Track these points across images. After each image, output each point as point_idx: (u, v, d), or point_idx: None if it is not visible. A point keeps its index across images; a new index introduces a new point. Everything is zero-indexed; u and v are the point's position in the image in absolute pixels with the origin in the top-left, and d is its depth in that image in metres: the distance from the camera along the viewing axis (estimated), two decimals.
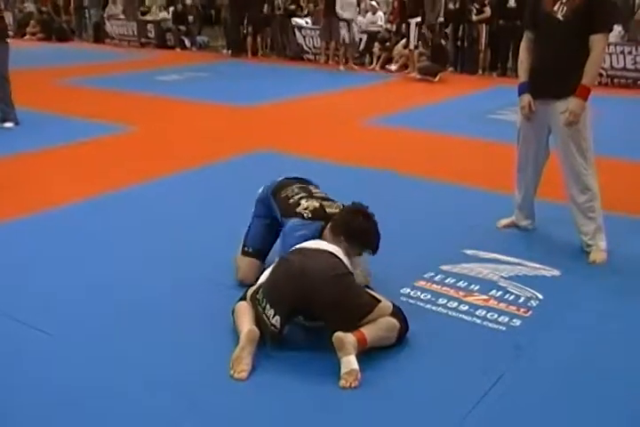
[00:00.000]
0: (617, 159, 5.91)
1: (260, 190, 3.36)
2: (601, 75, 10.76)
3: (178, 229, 3.99)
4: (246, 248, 3.28)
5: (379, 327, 2.65)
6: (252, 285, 2.89)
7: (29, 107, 7.30)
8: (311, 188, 3.30)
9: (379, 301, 2.73)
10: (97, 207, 4.40)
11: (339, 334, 2.52)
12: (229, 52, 14.11)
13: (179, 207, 4.39)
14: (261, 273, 2.92)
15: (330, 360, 2.56)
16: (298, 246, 2.85)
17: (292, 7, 14.05)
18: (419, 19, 11.35)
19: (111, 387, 2.47)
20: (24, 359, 2.64)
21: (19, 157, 5.60)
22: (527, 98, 3.68)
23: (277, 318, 2.61)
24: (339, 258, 2.76)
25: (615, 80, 10.71)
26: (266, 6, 13.74)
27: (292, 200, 3.13)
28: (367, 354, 2.63)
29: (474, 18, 11.67)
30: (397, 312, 2.76)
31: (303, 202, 3.10)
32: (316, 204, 3.09)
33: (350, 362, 2.48)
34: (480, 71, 11.88)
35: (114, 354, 2.68)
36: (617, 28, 11.04)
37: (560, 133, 3.67)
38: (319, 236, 2.98)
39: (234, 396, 2.44)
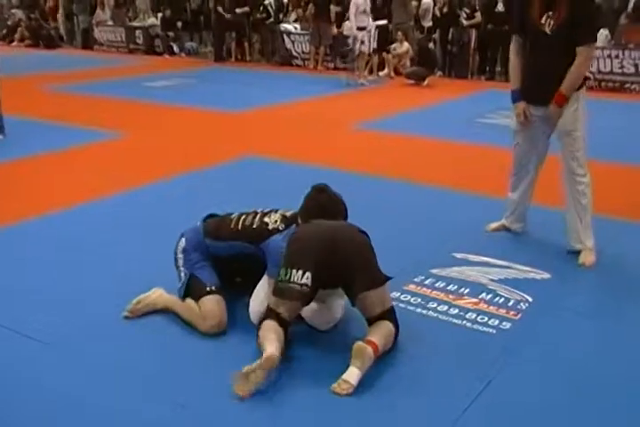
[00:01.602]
0: (604, 162, 5.93)
1: (183, 241, 3.10)
2: (588, 78, 10.82)
3: (166, 235, 3.97)
4: (209, 287, 2.94)
5: (385, 337, 2.66)
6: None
7: (17, 114, 7.26)
8: (246, 211, 3.14)
9: (388, 276, 2.77)
10: (85, 214, 4.38)
11: (362, 344, 2.53)
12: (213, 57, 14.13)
13: (166, 214, 4.37)
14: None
15: (330, 364, 2.56)
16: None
17: (280, 14, 14.08)
18: (382, 21, 11.40)
19: (108, 397, 2.45)
20: (18, 368, 2.62)
21: (5, 165, 5.57)
22: (522, 105, 3.73)
23: (308, 274, 2.60)
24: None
25: (602, 84, 10.78)
26: (252, 12, 13.73)
27: (255, 225, 2.97)
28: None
29: (464, 23, 11.72)
30: (393, 314, 2.76)
31: (266, 219, 2.99)
32: (277, 215, 3.02)
33: (354, 375, 2.48)
34: (469, 75, 11.94)
35: (111, 363, 2.66)
36: (603, 32, 11.13)
37: (558, 132, 3.70)
38: None
39: (233, 406, 2.42)
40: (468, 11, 11.69)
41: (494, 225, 4.18)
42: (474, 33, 11.78)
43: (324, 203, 2.92)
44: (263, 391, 2.45)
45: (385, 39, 11.66)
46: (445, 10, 12.14)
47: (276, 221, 2.97)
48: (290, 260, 2.68)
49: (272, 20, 13.87)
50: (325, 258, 2.64)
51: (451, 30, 12.05)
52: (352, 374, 2.49)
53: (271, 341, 2.55)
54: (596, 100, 9.73)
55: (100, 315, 3.02)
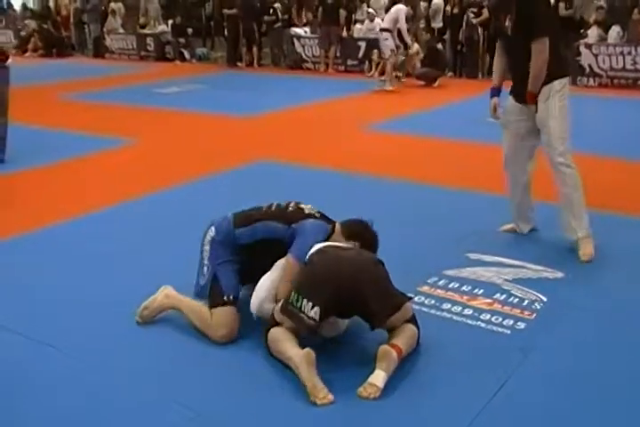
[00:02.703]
0: (616, 159, 5.91)
1: (212, 230, 3.05)
2: (600, 75, 10.79)
3: (179, 240, 3.99)
4: (226, 297, 2.88)
5: (407, 341, 2.66)
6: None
7: (31, 122, 7.34)
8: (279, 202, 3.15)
9: (407, 297, 2.76)
10: (100, 220, 4.41)
11: (386, 347, 2.53)
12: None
13: (179, 219, 4.39)
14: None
15: (341, 371, 2.56)
16: (318, 247, 2.79)
17: (286, 17, 14.11)
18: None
19: (121, 404, 2.46)
20: (32, 375, 2.64)
21: (20, 173, 5.62)
22: (492, 101, 3.97)
23: (317, 309, 2.56)
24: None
25: (615, 81, 10.71)
26: (265, 18, 13.77)
27: (290, 208, 3.01)
28: (370, 359, 2.64)
29: (473, 21, 11.68)
30: (414, 316, 2.77)
31: (302, 206, 3.03)
32: (311, 206, 3.06)
33: (380, 378, 2.48)
34: (480, 75, 11.90)
35: (125, 369, 2.67)
36: (615, 29, 11.07)
37: (539, 127, 3.80)
38: (327, 237, 2.93)
39: (247, 411, 2.43)
40: (475, 9, 11.65)
41: (507, 226, 4.17)
42: (484, 32, 11.73)
43: (372, 235, 2.96)
44: (278, 395, 2.46)
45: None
46: (456, 10, 12.12)
47: (311, 209, 3.03)
48: (303, 288, 2.64)
49: (280, 24, 13.91)
50: (338, 295, 2.59)
51: (461, 30, 12.02)
52: (378, 377, 2.48)
53: (290, 346, 2.55)
54: (609, 98, 9.71)
55: (113, 320, 3.04)
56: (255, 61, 13.90)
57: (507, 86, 4.01)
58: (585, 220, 3.78)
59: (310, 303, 2.57)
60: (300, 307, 2.59)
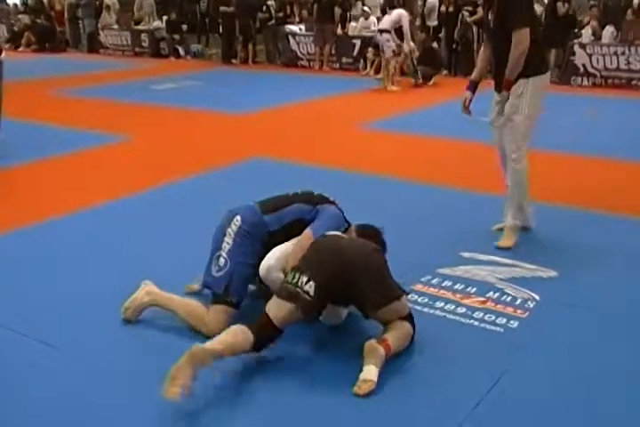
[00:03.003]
0: (610, 159, 5.94)
1: (238, 220, 2.96)
2: (594, 75, 10.82)
3: (173, 236, 3.99)
4: (230, 299, 2.86)
5: (399, 337, 2.67)
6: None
7: (24, 118, 7.31)
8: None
9: (403, 290, 2.77)
10: (93, 217, 4.40)
11: (372, 343, 2.54)
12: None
13: (172, 216, 4.39)
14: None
15: (334, 363, 2.57)
16: (324, 233, 2.89)
17: (281, 15, 14.09)
18: None
19: (113, 398, 2.47)
20: (28, 372, 2.64)
21: (13, 169, 5.60)
22: (466, 95, 4.08)
23: (312, 283, 2.58)
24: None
25: (609, 80, 10.75)
26: (259, 15, 13.75)
27: (315, 194, 3.14)
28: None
29: (468, 20, 11.69)
30: (411, 315, 2.78)
31: (325, 195, 3.15)
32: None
33: (371, 372, 2.49)
34: None
35: (120, 368, 2.67)
36: (610, 29, 11.10)
37: (506, 117, 3.86)
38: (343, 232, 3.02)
39: (236, 409, 2.43)
40: (470, 8, 11.66)
41: (500, 225, 4.18)
42: (478, 31, 11.73)
43: (383, 240, 3.03)
44: (275, 391, 2.47)
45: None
46: (451, 9, 12.13)
47: (334, 200, 3.13)
48: (301, 265, 2.68)
49: (274, 21, 13.89)
50: (335, 276, 2.61)
51: (456, 29, 12.03)
52: (370, 372, 2.48)
53: (218, 339, 2.49)
54: (603, 98, 9.74)
55: (107, 317, 3.03)
56: (250, 59, 13.89)
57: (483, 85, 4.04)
58: (514, 212, 3.93)
59: (306, 277, 2.60)
60: (297, 283, 2.61)
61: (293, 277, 2.64)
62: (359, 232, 3.01)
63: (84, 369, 2.65)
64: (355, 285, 2.63)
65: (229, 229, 2.95)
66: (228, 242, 2.94)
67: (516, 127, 3.82)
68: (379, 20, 12.98)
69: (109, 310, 3.07)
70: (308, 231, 2.94)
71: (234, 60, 13.97)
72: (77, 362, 2.70)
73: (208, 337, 2.63)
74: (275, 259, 2.92)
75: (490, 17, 3.81)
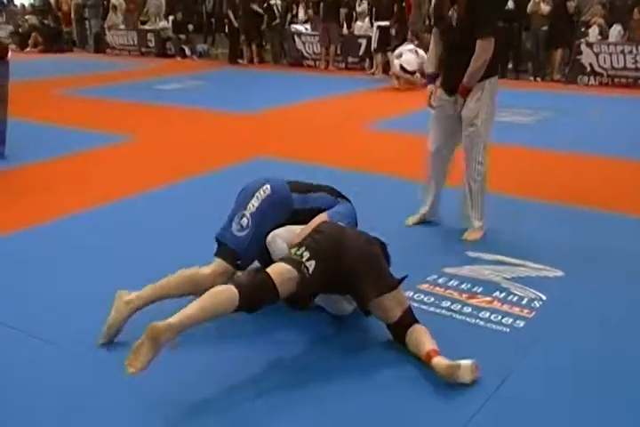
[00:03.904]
0: (616, 158, 5.91)
1: (268, 188, 3.02)
2: (601, 74, 10.78)
3: (178, 237, 3.99)
4: (239, 261, 2.95)
5: (431, 338, 2.66)
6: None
7: (31, 118, 7.33)
8: None
9: (397, 279, 2.77)
10: (97, 217, 4.40)
11: (445, 362, 2.50)
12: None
13: (177, 216, 4.39)
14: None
15: (336, 359, 2.56)
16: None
17: (289, 16, 14.09)
18: (384, 22, 11.60)
19: (116, 403, 2.46)
20: (29, 370, 2.64)
21: (17, 169, 5.62)
22: (430, 89, 4.02)
23: (312, 262, 2.63)
24: None
25: (616, 80, 10.71)
26: (265, 16, 13.78)
27: (336, 189, 3.26)
28: (372, 356, 2.65)
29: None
30: (413, 314, 2.77)
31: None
32: None
33: (468, 366, 2.49)
34: None
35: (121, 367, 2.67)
36: (617, 28, 11.05)
37: (465, 120, 3.88)
38: None
39: (243, 404, 2.43)
40: None
41: (415, 218, 4.23)
42: None
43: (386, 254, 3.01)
44: (276, 388, 2.46)
45: (385, 40, 11.79)
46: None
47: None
48: (306, 243, 2.73)
49: (278, 21, 13.90)
50: (331, 258, 2.66)
51: None
52: (467, 367, 2.48)
53: (187, 308, 2.40)
54: (610, 97, 9.70)
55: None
56: (255, 58, 13.90)
57: None
58: (480, 211, 4.01)
59: (307, 254, 2.64)
60: (301, 254, 2.65)
61: (298, 250, 2.69)
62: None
63: (85, 368, 2.65)
64: (353, 273, 2.66)
65: (258, 193, 3.00)
66: (254, 204, 2.98)
67: (477, 131, 3.85)
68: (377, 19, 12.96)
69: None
70: (324, 215, 3.05)
71: (240, 61, 13.99)
72: (79, 360, 2.70)
73: None
74: (284, 230, 2.99)
75: (450, 13, 3.71)
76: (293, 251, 2.71)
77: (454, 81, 3.80)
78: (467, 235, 3.99)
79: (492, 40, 3.65)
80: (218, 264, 2.93)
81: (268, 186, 3.02)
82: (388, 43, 11.70)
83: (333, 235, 2.77)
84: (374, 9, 12.20)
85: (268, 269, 2.63)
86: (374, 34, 11.75)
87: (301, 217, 3.05)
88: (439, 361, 2.52)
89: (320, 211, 3.10)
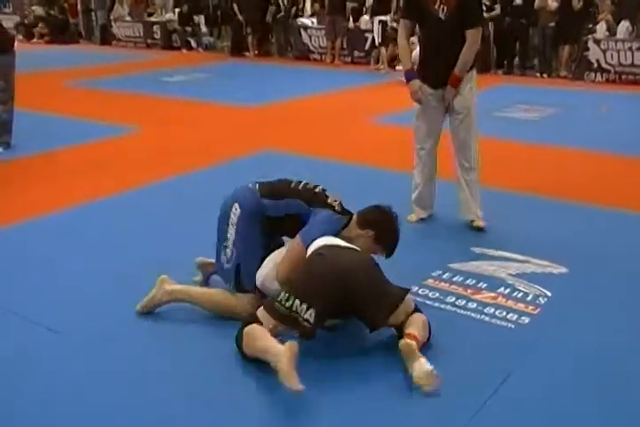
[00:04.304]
0: (623, 155, 5.89)
1: (237, 209, 2.95)
2: (608, 71, 10.73)
3: (184, 229, 3.99)
4: (245, 288, 2.94)
5: (423, 327, 2.66)
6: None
7: (36, 109, 7.33)
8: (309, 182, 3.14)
9: (402, 288, 2.74)
10: (102, 208, 4.41)
11: (407, 342, 2.50)
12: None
13: (182, 208, 4.39)
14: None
15: (335, 361, 2.56)
16: (319, 244, 2.76)
17: (293, 9, 14.02)
18: (384, 17, 11.67)
19: (116, 390, 2.47)
20: (32, 357, 2.65)
21: (24, 159, 5.62)
22: (417, 83, 3.95)
23: (311, 311, 2.51)
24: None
25: (623, 76, 10.65)
26: (270, 8, 13.74)
27: (317, 191, 3.01)
28: (375, 351, 2.66)
29: (485, 15, 11.54)
30: (416, 306, 2.76)
31: (328, 193, 3.02)
32: (338, 199, 3.04)
33: (424, 363, 2.46)
34: (489, 70, 11.81)
35: (124, 356, 2.69)
36: (625, 24, 10.99)
37: (455, 111, 3.96)
38: (340, 231, 2.94)
39: (245, 397, 2.44)
40: (487, 3, 11.56)
41: (415, 216, 4.22)
42: (494, 27, 11.64)
43: (387, 221, 2.96)
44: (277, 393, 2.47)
45: (384, 34, 11.87)
46: None
47: (335, 201, 3.00)
48: (297, 289, 2.57)
49: (283, 13, 13.85)
50: (334, 299, 2.56)
51: None
52: (421, 365, 2.45)
53: (269, 339, 2.48)
54: (617, 93, 9.66)
55: (117, 308, 3.04)
56: (256, 51, 13.89)
57: None
58: (480, 199, 4.06)
59: (305, 305, 2.51)
60: (292, 307, 2.53)
61: (287, 300, 2.55)
62: (360, 220, 2.94)
63: (88, 357, 2.66)
64: (358, 304, 2.59)
65: (231, 219, 2.96)
66: (231, 233, 2.95)
67: (471, 119, 3.96)
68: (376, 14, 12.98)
69: (120, 299, 3.09)
70: (298, 240, 2.87)
71: (247, 53, 13.97)
72: (81, 349, 2.71)
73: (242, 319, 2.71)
74: (269, 268, 2.88)
75: (439, 7, 3.74)
76: (283, 300, 2.55)
77: (440, 74, 3.86)
78: (476, 222, 4.02)
79: (480, 30, 3.80)
80: (241, 298, 2.93)
81: (237, 205, 2.96)
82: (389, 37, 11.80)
83: (331, 274, 2.57)
84: (373, 3, 12.25)
85: (260, 317, 2.60)
86: (376, 29, 11.83)
87: (280, 225, 2.98)
88: (409, 342, 2.50)
89: (298, 219, 2.94)
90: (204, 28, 15.73)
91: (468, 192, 4.05)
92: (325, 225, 2.89)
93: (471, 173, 4.03)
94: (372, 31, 12.10)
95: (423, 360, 2.48)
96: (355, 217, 3.00)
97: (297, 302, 2.53)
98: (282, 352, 2.38)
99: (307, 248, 2.80)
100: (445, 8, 3.74)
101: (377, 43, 11.95)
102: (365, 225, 2.93)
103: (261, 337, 2.52)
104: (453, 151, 4.07)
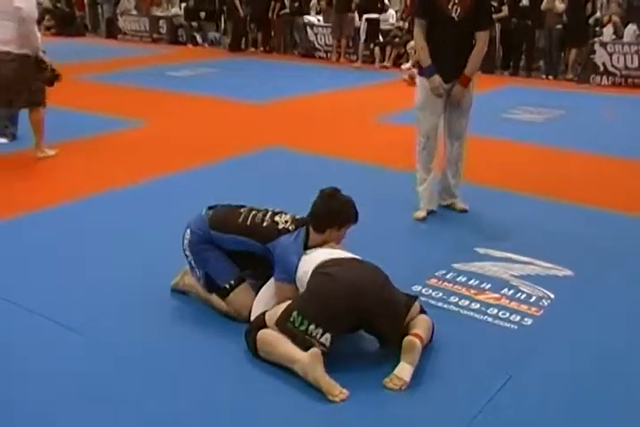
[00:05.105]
0: (629, 158, 5.89)
1: (188, 233, 3.01)
2: (614, 74, 10.71)
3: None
4: (227, 286, 2.93)
5: (428, 327, 2.66)
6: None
7: None
8: (256, 207, 3.05)
9: (410, 296, 2.73)
10: (108, 202, 4.42)
11: (413, 339, 2.50)
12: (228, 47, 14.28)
13: (186, 203, 4.37)
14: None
15: (341, 361, 2.57)
16: (317, 262, 2.70)
17: (296, 5, 13.98)
18: (372, 15, 12.01)
19: (128, 384, 2.48)
20: (45, 354, 2.67)
21: (30, 151, 5.62)
22: (438, 78, 4.02)
23: (327, 335, 2.48)
24: (363, 260, 2.76)
25: (629, 80, 10.63)
26: (272, 4, 13.75)
27: (265, 223, 2.88)
28: (375, 351, 2.66)
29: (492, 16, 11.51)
30: (422, 307, 2.76)
31: (277, 218, 2.90)
32: (287, 216, 2.93)
33: (406, 371, 2.47)
34: (495, 70, 11.79)
35: (137, 351, 2.70)
36: (632, 28, 10.96)
37: (459, 108, 4.17)
38: (306, 241, 2.87)
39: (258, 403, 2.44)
40: (495, 4, 11.52)
41: (422, 213, 4.24)
42: (500, 28, 11.60)
43: (335, 209, 2.88)
44: (282, 394, 2.47)
45: (374, 32, 12.12)
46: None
47: (286, 222, 2.88)
48: (310, 313, 2.52)
49: (287, 10, 13.83)
50: (352, 321, 2.56)
51: None
52: (404, 371, 2.47)
53: (291, 347, 2.49)
54: (622, 97, 9.65)
55: (129, 302, 3.06)
56: (257, 46, 13.91)
57: None
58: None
59: (320, 329, 2.48)
60: (307, 331, 2.49)
61: (301, 324, 2.51)
62: (314, 225, 2.86)
63: (102, 354, 2.67)
64: (373, 323, 2.58)
65: (185, 244, 3.04)
66: (188, 255, 3.04)
67: (468, 113, 4.22)
68: (397, 12, 13.02)
69: (133, 295, 3.11)
70: (277, 282, 2.82)
71: (253, 49, 13.98)
72: (97, 346, 2.71)
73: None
74: (263, 305, 2.83)
75: (452, 7, 3.86)
76: (297, 324, 2.51)
77: (449, 72, 3.99)
78: (460, 206, 4.32)
79: (489, 32, 3.97)
80: (231, 302, 2.94)
81: (188, 231, 3.03)
82: (376, 35, 12.06)
83: (337, 294, 2.53)
84: (361, 1, 12.36)
85: (268, 321, 2.61)
86: (363, 27, 12.08)
87: (237, 257, 2.97)
88: (415, 340, 2.50)
89: (252, 255, 2.90)
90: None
91: (453, 181, 4.31)
92: (290, 255, 2.79)
93: (461, 164, 4.32)
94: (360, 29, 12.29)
95: (409, 368, 2.47)
96: (311, 227, 2.90)
97: (312, 326, 2.49)
98: (307, 365, 2.41)
99: (291, 281, 2.77)
100: (459, 8, 3.85)
101: (362, 40, 12.20)
102: (319, 226, 2.87)
103: (278, 344, 2.53)
104: (445, 137, 4.28)
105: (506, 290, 3.28)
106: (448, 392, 2.47)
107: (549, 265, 3.57)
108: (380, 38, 12.29)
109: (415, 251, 3.71)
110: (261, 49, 14.01)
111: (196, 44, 15.13)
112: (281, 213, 2.97)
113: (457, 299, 3.17)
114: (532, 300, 3.19)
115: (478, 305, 3.12)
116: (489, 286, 3.32)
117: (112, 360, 2.62)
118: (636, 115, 8.28)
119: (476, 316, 3.03)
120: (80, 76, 9.98)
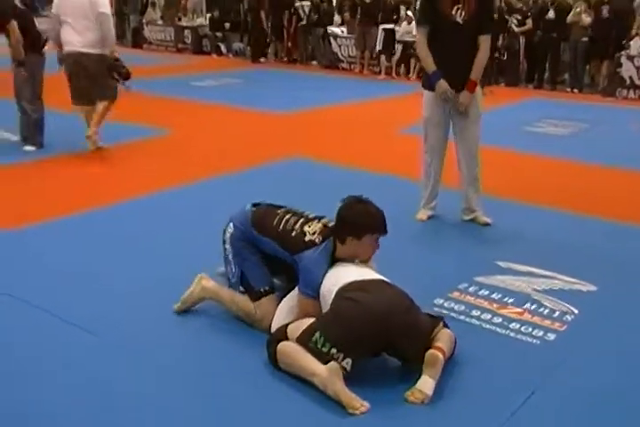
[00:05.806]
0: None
1: (231, 227, 3.02)
2: (628, 87, 10.63)
3: (209, 232, 4.00)
4: (261, 290, 2.94)
5: (450, 341, 2.64)
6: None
7: (66, 110, 7.40)
8: (294, 209, 3.03)
9: (435, 317, 2.71)
10: (130, 210, 4.45)
11: (435, 353, 2.48)
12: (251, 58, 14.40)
13: (208, 212, 4.40)
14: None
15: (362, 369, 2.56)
16: (341, 284, 2.65)
17: (315, 17, 14.02)
18: (388, 25, 12.27)
19: (145, 389, 2.49)
20: (64, 357, 2.69)
21: (55, 159, 5.69)
22: (445, 83, 4.01)
23: (349, 360, 2.46)
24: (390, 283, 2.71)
25: None
26: (287, 14, 13.87)
27: (294, 233, 2.84)
28: (396, 365, 2.65)
29: (515, 29, 11.48)
30: (446, 323, 2.74)
31: (306, 228, 2.85)
32: (319, 224, 2.88)
33: (429, 385, 2.45)
34: (520, 84, 11.74)
35: (155, 356, 2.71)
36: None
37: (467, 118, 4.15)
38: (333, 253, 2.83)
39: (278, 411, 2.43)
40: (519, 17, 11.50)
41: (423, 215, 4.34)
42: (525, 41, 11.56)
43: (349, 217, 2.80)
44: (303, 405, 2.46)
45: (390, 43, 12.31)
46: (496, 16, 11.98)
47: (314, 233, 2.83)
48: (333, 336, 2.49)
49: (304, 22, 13.88)
50: (376, 348, 2.55)
51: (500, 37, 11.87)
52: (427, 384, 2.45)
53: (312, 360, 2.49)
54: (637, 109, 9.54)
55: (149, 307, 3.08)
56: (277, 57, 14.03)
57: None
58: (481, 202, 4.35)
59: (342, 354, 2.46)
60: (328, 353, 2.47)
61: (324, 346, 2.48)
62: (337, 236, 2.81)
63: (120, 358, 2.68)
64: (397, 347, 2.55)
65: (225, 237, 3.05)
66: (227, 249, 3.04)
67: (479, 122, 4.17)
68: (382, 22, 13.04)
69: (152, 300, 3.14)
70: (300, 295, 2.81)
71: (272, 59, 14.10)
72: (114, 350, 2.73)
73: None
74: (284, 316, 2.83)
75: (456, 12, 3.88)
76: (320, 345, 2.49)
77: (455, 79, 3.98)
78: (483, 220, 4.27)
79: (490, 36, 3.98)
80: (259, 308, 2.94)
81: (231, 225, 3.04)
82: (392, 45, 12.28)
83: (362, 321, 2.48)
84: (379, 12, 12.55)
85: (290, 333, 2.61)
86: (380, 37, 12.30)
87: (269, 261, 2.98)
88: (437, 354, 2.48)
89: (281, 260, 2.90)
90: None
91: (475, 194, 4.27)
92: (315, 269, 2.77)
93: (479, 175, 4.26)
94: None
95: (431, 382, 2.45)
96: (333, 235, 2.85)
97: (333, 350, 2.47)
98: (326, 379, 2.41)
99: (314, 296, 2.75)
100: (463, 12, 3.86)
101: (377, 50, 12.44)
102: (343, 237, 2.79)
103: (297, 356, 2.53)
104: (459, 155, 4.25)
105: (528, 304, 3.25)
106: (470, 406, 2.45)
107: (573, 280, 3.53)
108: (397, 48, 12.34)
109: (437, 264, 3.68)
110: (283, 59, 14.10)
111: (220, 54, 15.27)
112: (313, 220, 2.91)
113: (479, 313, 3.15)
114: (556, 315, 3.16)
115: (500, 319, 3.09)
116: (512, 300, 3.29)
117: (125, 361, 2.62)
118: None
119: (499, 330, 3.00)
120: None
